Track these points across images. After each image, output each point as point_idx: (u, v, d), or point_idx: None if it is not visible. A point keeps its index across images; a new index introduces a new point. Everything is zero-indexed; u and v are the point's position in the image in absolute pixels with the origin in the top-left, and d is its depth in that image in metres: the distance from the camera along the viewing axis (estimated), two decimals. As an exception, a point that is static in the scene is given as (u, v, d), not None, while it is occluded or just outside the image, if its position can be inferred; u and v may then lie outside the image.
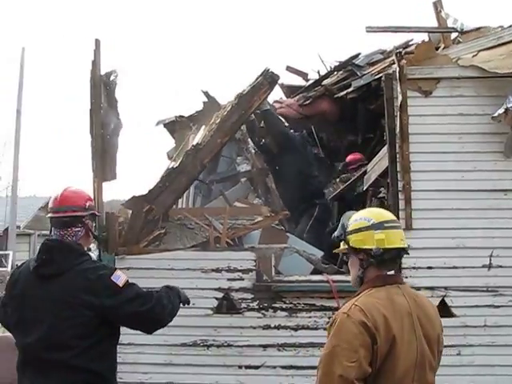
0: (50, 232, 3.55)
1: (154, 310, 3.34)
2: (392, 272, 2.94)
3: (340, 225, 3.07)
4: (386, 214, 2.99)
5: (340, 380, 2.58)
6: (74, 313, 3.17)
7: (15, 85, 21.17)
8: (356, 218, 2.97)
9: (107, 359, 3.34)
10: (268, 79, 5.64)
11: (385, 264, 2.88)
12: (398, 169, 5.32)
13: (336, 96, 7.21)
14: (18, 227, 25.22)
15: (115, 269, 3.44)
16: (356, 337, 2.64)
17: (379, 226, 2.87)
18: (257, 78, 5.72)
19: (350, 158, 7.38)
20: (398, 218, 5.20)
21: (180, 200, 6.85)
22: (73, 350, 3.16)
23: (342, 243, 3.01)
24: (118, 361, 5.20)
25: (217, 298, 5.25)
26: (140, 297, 3.33)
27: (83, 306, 3.17)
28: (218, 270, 5.25)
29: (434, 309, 2.98)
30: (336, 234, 3.07)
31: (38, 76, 64.61)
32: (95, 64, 5.51)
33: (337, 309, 3.86)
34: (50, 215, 3.49)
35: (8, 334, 3.83)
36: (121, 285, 3.26)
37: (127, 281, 3.33)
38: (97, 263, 3.53)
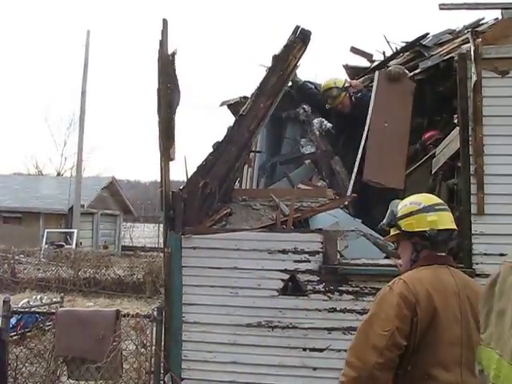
0: None
1: None
2: (443, 254, 3.04)
3: (389, 211, 3.18)
4: (434, 198, 3.14)
5: (372, 348, 2.68)
6: None
7: (80, 67, 21.79)
8: (405, 203, 3.10)
9: None
10: (300, 36, 5.61)
11: (438, 245, 2.99)
12: (471, 152, 5.12)
13: (402, 77, 7.00)
14: (82, 206, 25.98)
15: None
16: (393, 308, 2.73)
17: (430, 208, 3.00)
18: (289, 38, 5.65)
19: (427, 135, 7.14)
20: (469, 202, 5.10)
21: (244, 181, 6.86)
22: None
23: (392, 230, 3.14)
24: (183, 339, 5.35)
25: (283, 280, 5.22)
26: None
27: None
28: (284, 252, 5.21)
29: None
30: (384, 221, 3.19)
31: (103, 58, 65.97)
32: (162, 44, 5.53)
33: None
34: None
35: (73, 308, 3.91)
36: None
37: None
38: None
